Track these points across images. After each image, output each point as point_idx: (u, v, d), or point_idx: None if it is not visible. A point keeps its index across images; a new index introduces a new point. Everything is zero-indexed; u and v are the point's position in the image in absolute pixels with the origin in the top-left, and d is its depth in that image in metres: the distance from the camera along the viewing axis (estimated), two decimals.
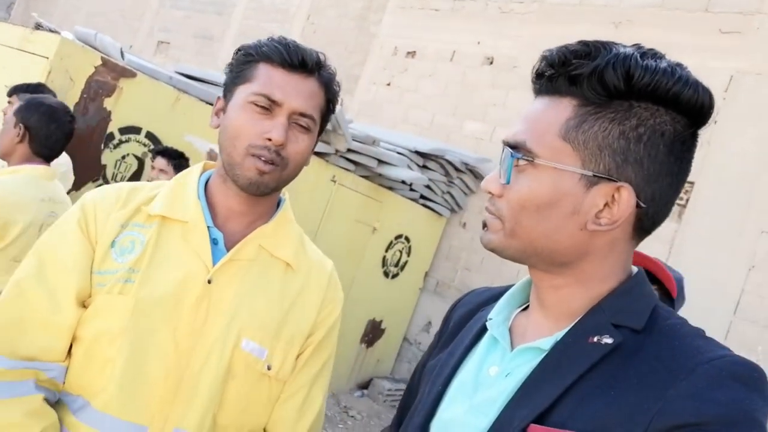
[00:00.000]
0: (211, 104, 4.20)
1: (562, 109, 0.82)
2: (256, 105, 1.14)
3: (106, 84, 3.62)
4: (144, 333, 1.11)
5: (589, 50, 0.80)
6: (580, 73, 0.80)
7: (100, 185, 3.77)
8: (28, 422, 1.05)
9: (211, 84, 4.81)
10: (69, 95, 3.43)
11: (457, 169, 5.95)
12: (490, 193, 0.87)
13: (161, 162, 3.64)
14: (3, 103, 3.21)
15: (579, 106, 0.81)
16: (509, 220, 0.84)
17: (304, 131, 1.18)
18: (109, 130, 3.71)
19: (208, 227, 1.18)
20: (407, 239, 5.80)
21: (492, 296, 1.02)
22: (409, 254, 5.89)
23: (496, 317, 0.93)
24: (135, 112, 3.80)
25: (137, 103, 3.78)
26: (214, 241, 1.18)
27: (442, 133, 6.61)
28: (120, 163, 3.83)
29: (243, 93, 1.16)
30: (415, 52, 7.12)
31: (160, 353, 1.11)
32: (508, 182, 0.84)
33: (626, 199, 0.80)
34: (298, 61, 1.16)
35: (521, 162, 0.83)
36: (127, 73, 3.71)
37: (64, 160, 3.20)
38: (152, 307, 1.11)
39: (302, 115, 1.16)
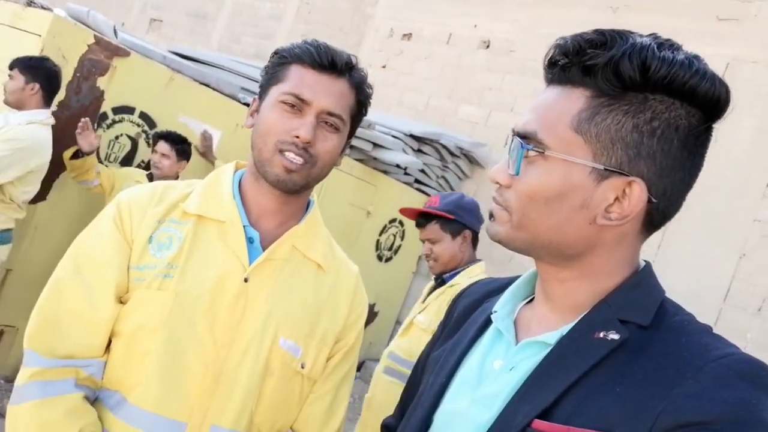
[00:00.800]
0: (206, 85, 4.16)
1: (574, 99, 0.80)
2: (286, 104, 1.17)
3: (99, 63, 3.56)
4: (183, 327, 1.12)
5: (604, 39, 0.78)
6: (595, 64, 0.78)
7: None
8: (68, 421, 1.07)
9: (205, 64, 4.75)
10: (62, 74, 3.38)
11: (451, 154, 5.93)
12: (497, 183, 0.86)
13: (164, 146, 3.56)
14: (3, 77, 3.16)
15: (592, 98, 0.79)
16: (517, 212, 0.83)
17: (333, 130, 1.19)
18: (102, 110, 3.66)
19: (244, 226, 1.20)
20: (401, 223, 5.79)
21: (497, 287, 1.01)
22: (402, 238, 5.89)
23: (501, 310, 0.92)
24: (128, 92, 3.75)
25: (131, 82, 3.73)
26: (249, 240, 1.20)
27: (437, 116, 6.58)
28: (113, 143, 3.79)
29: (275, 93, 1.19)
30: (411, 34, 7.07)
31: (198, 348, 1.13)
32: (517, 173, 0.83)
33: (637, 194, 0.78)
34: (327, 61, 1.18)
35: (531, 153, 0.81)
36: (121, 52, 3.66)
37: (45, 138, 3.15)
38: (191, 302, 1.13)
39: (331, 114, 1.18)
